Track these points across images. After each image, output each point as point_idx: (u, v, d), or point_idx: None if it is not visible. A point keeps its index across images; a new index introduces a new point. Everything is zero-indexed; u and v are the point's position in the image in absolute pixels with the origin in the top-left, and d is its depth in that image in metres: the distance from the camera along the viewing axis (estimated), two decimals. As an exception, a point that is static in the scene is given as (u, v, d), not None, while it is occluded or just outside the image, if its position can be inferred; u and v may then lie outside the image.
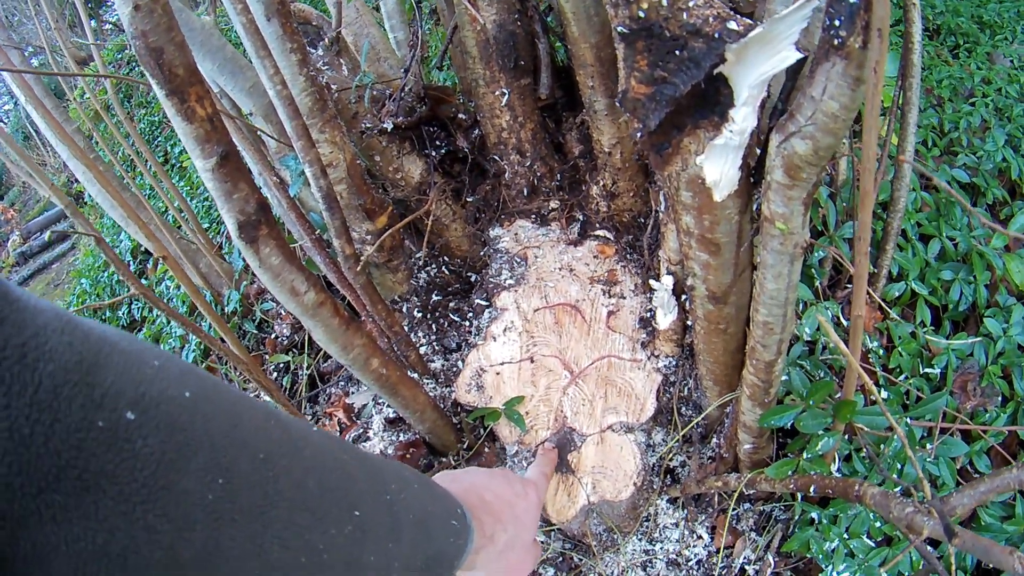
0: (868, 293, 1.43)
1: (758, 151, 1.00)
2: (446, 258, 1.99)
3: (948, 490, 1.39)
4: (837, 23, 0.75)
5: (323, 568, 0.49)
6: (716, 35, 0.87)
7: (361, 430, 1.83)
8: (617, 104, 1.03)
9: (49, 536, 0.33)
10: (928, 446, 1.43)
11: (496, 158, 1.93)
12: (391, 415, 1.81)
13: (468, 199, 1.99)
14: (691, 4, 0.88)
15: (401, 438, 1.75)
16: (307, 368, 2.12)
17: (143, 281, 3.49)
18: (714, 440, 1.57)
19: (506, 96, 1.74)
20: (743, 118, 0.93)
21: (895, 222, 1.67)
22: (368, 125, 1.70)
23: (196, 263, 2.50)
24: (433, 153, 1.83)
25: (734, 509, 1.56)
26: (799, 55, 0.82)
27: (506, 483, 0.88)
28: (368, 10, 1.99)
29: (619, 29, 0.93)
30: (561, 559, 1.59)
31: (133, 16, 0.95)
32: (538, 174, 1.90)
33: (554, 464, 1.21)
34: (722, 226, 1.11)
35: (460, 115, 1.86)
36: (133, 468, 0.36)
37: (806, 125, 0.85)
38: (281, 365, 2.25)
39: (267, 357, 2.26)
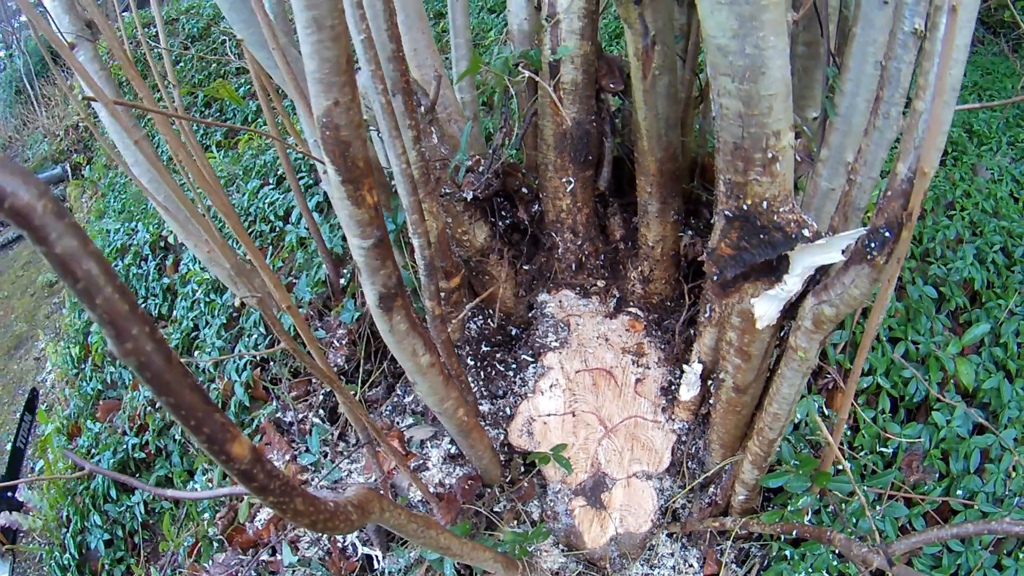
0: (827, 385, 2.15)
1: (793, 300, 1.66)
2: (490, 311, 2.58)
3: (891, 539, 2.12)
4: (872, 245, 1.39)
5: None
6: (793, 235, 1.49)
7: (420, 461, 2.39)
8: (705, 255, 1.67)
9: None
10: (878, 507, 2.14)
11: (552, 234, 2.53)
12: (452, 452, 2.38)
13: (524, 267, 2.59)
14: (781, 209, 1.49)
15: (458, 471, 2.33)
16: (356, 396, 2.65)
17: (163, 280, 3.85)
18: (711, 490, 2.22)
19: (571, 184, 2.35)
20: (792, 284, 1.57)
21: (871, 330, 2.37)
22: (448, 191, 2.26)
23: (251, 280, 2.90)
24: (499, 223, 2.43)
25: (718, 545, 2.23)
26: (843, 258, 1.47)
27: None
28: (443, 72, 2.54)
29: (725, 212, 1.55)
30: (578, 579, 2.23)
31: (331, 110, 1.19)
32: (586, 252, 2.53)
33: None
34: (756, 344, 1.76)
35: (524, 189, 2.44)
36: None
37: (835, 299, 1.49)
38: (329, 390, 2.71)
39: (316, 382, 2.75)
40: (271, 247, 3.53)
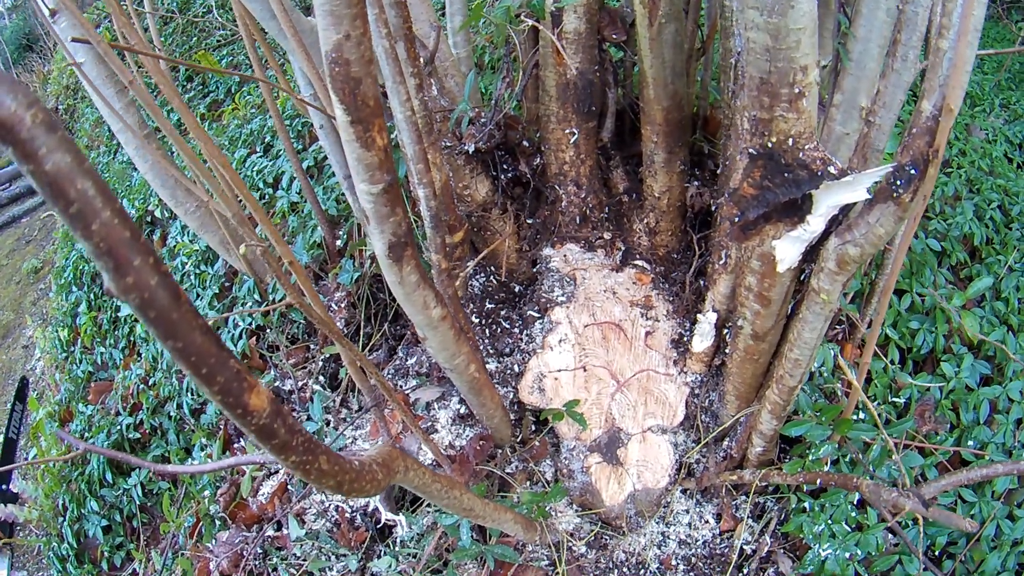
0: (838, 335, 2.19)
1: (814, 242, 1.68)
2: (492, 268, 2.58)
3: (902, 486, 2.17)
4: (899, 183, 1.40)
5: None
6: (819, 173, 1.51)
7: (429, 424, 2.39)
8: (725, 196, 1.69)
9: None
10: (894, 457, 2.18)
11: (555, 186, 2.53)
12: (462, 412, 2.38)
13: (528, 220, 2.59)
14: (807, 147, 1.50)
15: (468, 433, 2.33)
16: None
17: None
18: (726, 443, 2.24)
19: (575, 135, 2.34)
20: (816, 224, 1.58)
21: (884, 281, 2.39)
22: (448, 144, 2.26)
23: (270, 260, 2.87)
24: (501, 176, 2.42)
25: (734, 500, 2.26)
26: (868, 196, 1.49)
27: None
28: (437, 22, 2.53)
29: (749, 151, 1.56)
30: (594, 538, 2.23)
31: (341, 44, 1.15)
32: (590, 205, 2.53)
33: None
34: (777, 288, 1.77)
35: (524, 142, 2.43)
36: None
37: (860, 238, 1.50)
38: (329, 356, 2.74)
39: (314, 348, 2.76)
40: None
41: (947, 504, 2.25)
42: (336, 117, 1.26)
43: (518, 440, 2.35)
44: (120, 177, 4.68)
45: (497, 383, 2.42)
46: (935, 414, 2.41)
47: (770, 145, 1.51)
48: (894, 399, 2.39)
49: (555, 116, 2.36)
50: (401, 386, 2.52)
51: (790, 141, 1.49)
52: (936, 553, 2.25)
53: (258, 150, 3.89)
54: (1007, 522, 2.24)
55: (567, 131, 2.36)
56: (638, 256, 2.58)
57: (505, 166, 2.45)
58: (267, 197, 3.56)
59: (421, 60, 2.13)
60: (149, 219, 4.07)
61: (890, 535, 2.20)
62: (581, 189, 2.51)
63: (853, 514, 2.12)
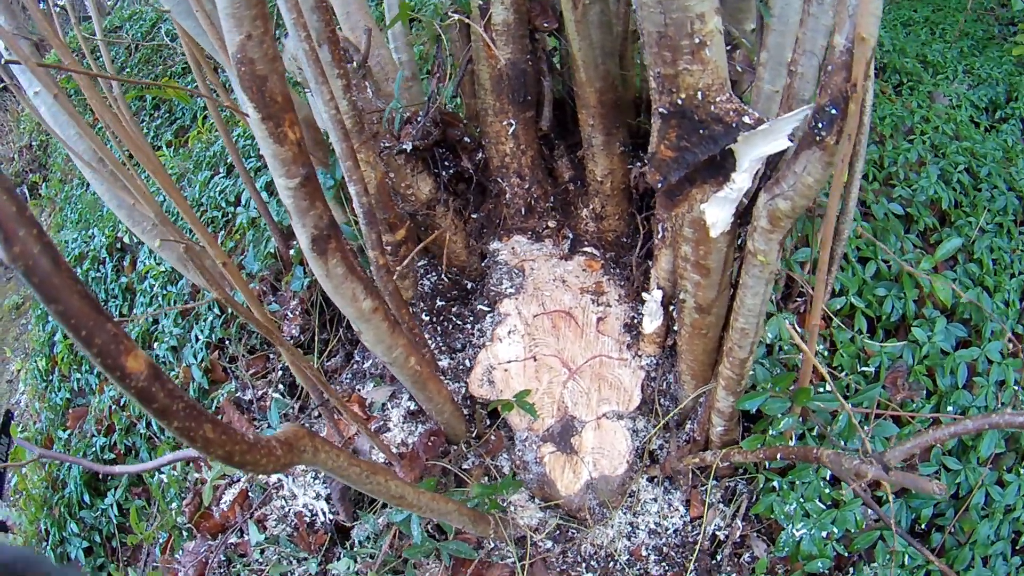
0: (825, 311, 2.01)
1: (745, 202, 1.53)
2: (446, 266, 2.44)
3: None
4: (820, 125, 1.25)
5: None
6: (734, 124, 1.36)
7: (381, 423, 2.26)
8: (646, 162, 1.54)
9: None
10: (866, 427, 2.00)
11: (498, 180, 2.41)
12: (412, 408, 2.25)
13: (472, 215, 2.47)
14: (718, 99, 1.36)
15: (420, 429, 2.20)
16: (314, 366, 2.51)
17: (121, 280, 3.76)
18: (688, 426, 2.09)
19: (513, 126, 2.22)
20: (742, 181, 1.44)
21: (839, 248, 2.24)
22: (387, 144, 2.14)
23: (202, 262, 2.83)
24: (442, 173, 2.29)
25: (703, 485, 2.09)
26: (790, 143, 1.34)
27: None
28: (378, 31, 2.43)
29: (660, 110, 1.42)
30: (559, 532, 2.08)
31: (244, 44, 1.17)
32: (535, 196, 2.40)
33: None
34: (714, 255, 1.62)
35: (466, 138, 2.31)
36: None
37: (788, 190, 1.36)
38: (287, 364, 2.62)
39: (274, 357, 2.65)
40: (223, 231, 3.46)
41: (931, 473, 2.10)
42: (249, 115, 1.27)
43: (473, 435, 2.21)
44: (91, 207, 4.65)
45: (450, 379, 2.29)
46: (908, 381, 2.24)
47: (680, 102, 1.38)
48: (863, 368, 2.22)
49: (492, 109, 2.24)
50: (358, 389, 2.38)
51: (699, 95, 1.35)
52: (923, 526, 2.09)
53: (221, 171, 3.84)
54: (996, 488, 2.09)
55: (505, 123, 2.24)
56: (587, 243, 2.45)
57: (447, 163, 2.34)
58: (229, 215, 3.49)
59: (354, 64, 2.06)
60: (119, 245, 3.99)
61: (871, 511, 2.03)
62: (524, 180, 2.38)
63: (827, 491, 1.95)
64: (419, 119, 2.13)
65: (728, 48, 1.97)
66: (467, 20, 2.13)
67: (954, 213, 2.87)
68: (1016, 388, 2.30)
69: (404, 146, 2.13)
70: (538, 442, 2.12)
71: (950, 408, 2.20)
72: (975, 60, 4.26)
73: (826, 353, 2.23)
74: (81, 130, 1.84)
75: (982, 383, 2.26)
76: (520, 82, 2.17)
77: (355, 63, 2.10)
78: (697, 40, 1.27)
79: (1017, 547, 2.07)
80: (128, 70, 5.99)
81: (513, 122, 2.23)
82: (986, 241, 2.74)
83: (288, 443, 1.06)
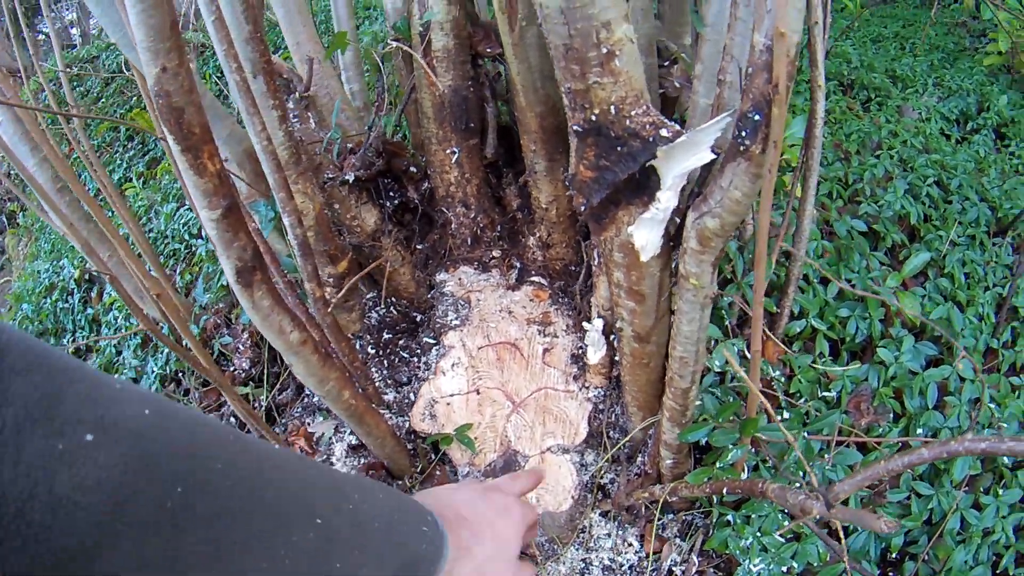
0: (766, 331, 1.86)
1: (677, 222, 1.39)
2: (393, 299, 2.33)
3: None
4: (744, 134, 1.13)
5: (287, 572, 0.55)
6: (651, 139, 1.24)
7: (324, 457, 2.14)
8: (566, 183, 1.41)
9: (22, 559, 0.38)
10: (827, 456, 1.85)
11: (444, 210, 2.30)
12: (353, 443, 2.13)
13: (418, 246, 2.36)
14: (633, 113, 1.24)
15: (362, 462, 2.06)
16: (265, 400, 2.42)
17: (88, 311, 3.68)
18: (639, 459, 1.96)
19: (456, 154, 2.11)
20: (667, 199, 1.31)
21: (795, 269, 2.10)
22: (331, 176, 2.03)
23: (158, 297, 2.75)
24: (387, 204, 2.18)
25: (660, 519, 1.94)
26: (713, 156, 1.21)
27: (486, 500, 0.95)
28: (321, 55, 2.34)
29: (575, 128, 1.29)
30: (504, 571, 1.93)
31: (159, 77, 1.15)
32: (481, 225, 2.29)
33: (535, 483, 1.21)
34: (647, 280, 1.49)
35: (412, 168, 2.20)
36: (96, 482, 0.40)
37: (716, 207, 1.24)
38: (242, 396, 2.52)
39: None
40: (184, 263, 3.39)
41: (901, 500, 1.95)
42: (170, 146, 1.27)
43: (418, 470, 2.06)
44: (63, 238, 4.60)
45: (395, 413, 2.17)
46: (873, 404, 2.08)
47: (594, 118, 1.26)
48: (824, 393, 2.07)
49: (435, 137, 2.13)
50: (308, 423, 2.25)
51: (613, 109, 1.24)
52: (895, 555, 1.95)
53: (186, 203, 3.75)
54: (972, 512, 1.94)
55: (448, 151, 2.13)
56: (534, 272, 2.33)
57: (392, 193, 2.23)
58: (192, 247, 3.43)
59: (297, 94, 1.98)
60: (88, 276, 3.91)
61: (838, 545, 1.87)
62: (470, 209, 2.26)
63: (786, 522, 1.79)
64: (362, 149, 2.02)
65: (666, 63, 1.86)
66: (406, 48, 2.02)
67: (923, 227, 2.73)
68: (991, 406, 2.16)
69: (347, 177, 2.02)
70: (480, 477, 1.99)
71: (920, 431, 2.05)
72: (945, 72, 4.17)
73: (783, 380, 2.09)
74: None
75: (954, 403, 2.11)
76: (462, 109, 2.06)
77: (297, 93, 2.00)
78: (605, 50, 1.15)
79: (998, 571, 1.92)
80: (103, 100, 5.97)
81: (457, 150, 2.12)
82: (957, 254, 2.61)
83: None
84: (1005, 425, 2.14)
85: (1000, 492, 1.98)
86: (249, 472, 0.53)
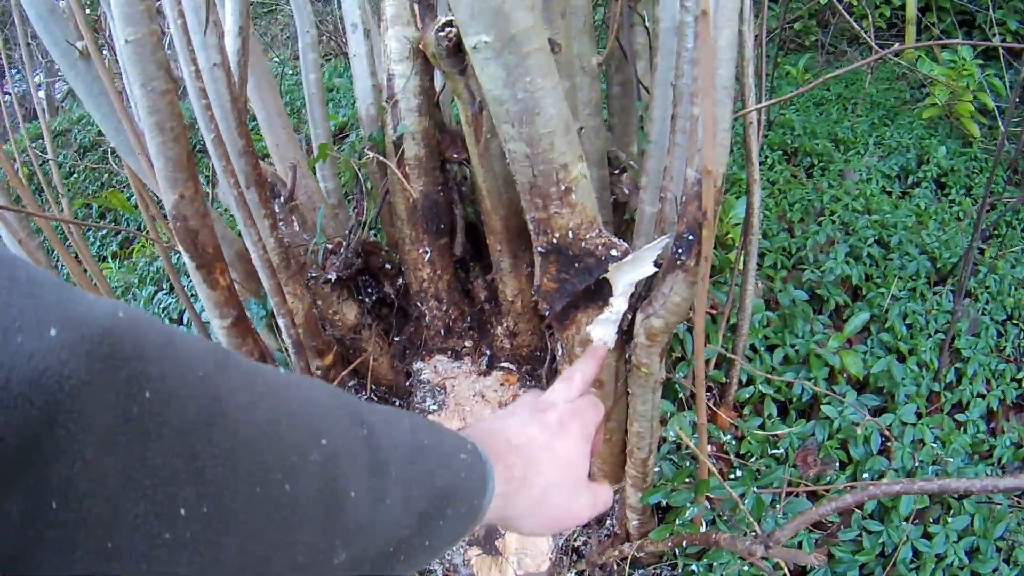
0: (710, 406, 2.22)
1: (629, 318, 1.73)
2: (374, 386, 2.63)
3: (796, 538, 2.15)
4: (680, 251, 1.45)
5: (287, 503, 0.50)
6: (603, 257, 1.56)
7: None
8: (533, 292, 1.74)
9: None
10: (778, 506, 2.18)
11: (418, 303, 2.60)
12: None
13: (395, 338, 2.67)
14: (587, 236, 1.56)
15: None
16: None
17: None
18: (608, 521, 2.26)
19: (428, 253, 2.43)
20: (619, 304, 1.64)
21: (740, 342, 2.45)
22: (314, 275, 2.33)
23: None
24: (366, 299, 2.50)
25: (631, 575, 2.26)
26: (655, 269, 1.54)
27: (539, 421, 0.88)
28: (304, 162, 2.64)
29: (539, 249, 1.62)
30: (491, 628, 2.23)
31: (177, 203, 1.40)
32: (452, 317, 2.60)
33: (594, 372, 1.06)
34: (605, 370, 1.82)
35: (387, 265, 2.51)
36: (57, 379, 0.37)
37: (659, 309, 1.56)
38: None
39: None
40: None
41: (852, 538, 2.26)
42: (186, 262, 1.50)
43: (404, 541, 2.36)
44: None
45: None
46: (819, 456, 2.42)
47: (555, 241, 1.57)
48: (773, 451, 2.40)
49: (408, 238, 2.44)
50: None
51: (570, 234, 1.55)
52: None
53: (164, 287, 4.00)
54: (923, 541, 2.23)
55: (421, 251, 2.45)
56: (503, 358, 2.65)
57: (370, 289, 2.55)
58: None
59: (282, 199, 2.26)
60: None
61: (797, 584, 2.19)
62: (442, 303, 2.58)
63: (746, 568, 2.11)
64: (342, 251, 2.34)
65: (617, 172, 2.20)
66: (381, 158, 2.35)
67: (865, 287, 3.08)
68: (933, 444, 2.49)
69: (329, 276, 2.32)
70: (465, 546, 2.28)
71: (866, 475, 2.37)
72: (886, 130, 4.54)
73: (734, 443, 2.42)
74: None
75: (897, 447, 2.42)
76: (433, 212, 2.38)
77: (282, 198, 2.31)
78: (564, 187, 1.47)
79: None
80: (76, 175, 6.16)
81: (429, 250, 2.44)
82: (898, 308, 2.94)
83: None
84: (951, 460, 2.46)
85: (948, 520, 2.27)
86: (235, 386, 0.49)
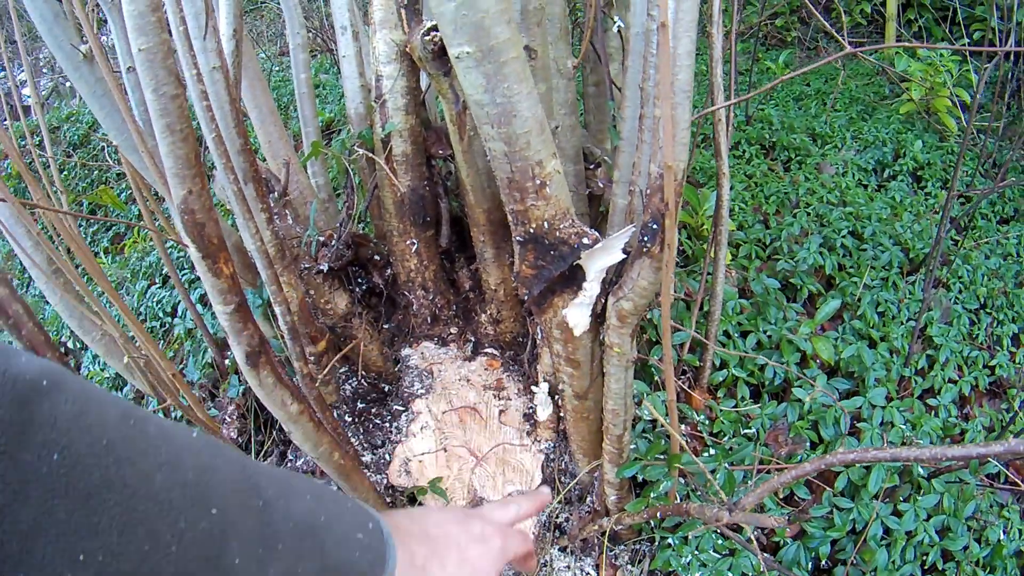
0: (680, 385, 2.38)
1: (603, 302, 1.89)
2: (364, 372, 2.79)
3: (770, 511, 2.29)
4: (646, 238, 1.60)
5: (173, 561, 0.55)
6: (576, 245, 1.71)
7: None
8: (512, 278, 1.91)
9: None
10: (749, 482, 2.33)
11: (406, 293, 2.77)
12: None
13: (385, 325, 2.84)
14: (561, 226, 1.71)
15: (347, 517, 2.52)
16: None
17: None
18: (588, 498, 2.43)
19: (415, 245, 2.59)
20: (591, 288, 1.80)
21: (713, 327, 2.63)
22: (307, 266, 2.49)
23: (145, 372, 3.08)
24: (356, 289, 2.67)
25: (612, 550, 2.41)
26: (624, 255, 1.70)
27: (461, 523, 0.91)
28: (295, 158, 2.78)
29: (517, 238, 1.78)
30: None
31: (186, 198, 1.52)
32: (438, 305, 2.78)
33: (537, 508, 1.14)
34: (581, 351, 1.98)
35: (376, 256, 2.67)
36: None
37: (628, 293, 1.72)
38: None
39: None
40: (162, 341, 3.71)
41: (823, 515, 2.39)
42: (191, 253, 1.61)
43: (395, 523, 2.52)
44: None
45: (372, 472, 2.61)
46: (789, 436, 2.58)
47: (532, 231, 1.72)
48: (745, 431, 2.56)
49: (396, 230, 2.60)
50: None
51: (546, 224, 1.70)
52: (826, 563, 2.37)
53: (157, 281, 4.10)
54: (893, 519, 2.34)
55: (408, 242, 2.61)
56: (487, 344, 2.83)
57: (360, 280, 2.71)
58: (167, 325, 3.75)
59: (275, 194, 2.39)
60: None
61: (770, 556, 2.34)
62: (429, 292, 2.75)
63: (720, 541, 2.27)
64: (333, 243, 2.49)
65: (592, 166, 2.36)
66: (370, 154, 2.50)
67: (838, 276, 3.23)
68: (903, 426, 2.62)
69: (321, 267, 2.48)
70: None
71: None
72: (863, 125, 4.66)
73: (707, 422, 2.59)
74: (39, 240, 2.12)
75: (867, 428, 2.56)
76: (419, 206, 2.53)
77: (276, 193, 2.45)
78: (539, 181, 1.61)
79: (926, 567, 2.33)
80: (66, 172, 6.24)
81: (415, 241, 2.60)
82: (870, 297, 3.09)
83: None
84: (920, 441, 2.60)
85: (918, 498, 2.39)
86: (138, 455, 0.55)
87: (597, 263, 1.74)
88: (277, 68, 6.74)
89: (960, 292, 3.39)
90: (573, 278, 1.81)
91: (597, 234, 1.73)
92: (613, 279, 1.83)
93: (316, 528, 0.70)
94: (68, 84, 6.63)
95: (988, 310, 3.37)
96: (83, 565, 0.49)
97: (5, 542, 0.46)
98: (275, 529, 0.65)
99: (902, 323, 3.09)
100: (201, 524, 0.58)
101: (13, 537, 0.46)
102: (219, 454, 0.65)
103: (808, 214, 3.57)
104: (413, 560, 0.82)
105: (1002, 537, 2.39)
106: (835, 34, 2.21)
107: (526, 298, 1.88)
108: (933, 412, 2.80)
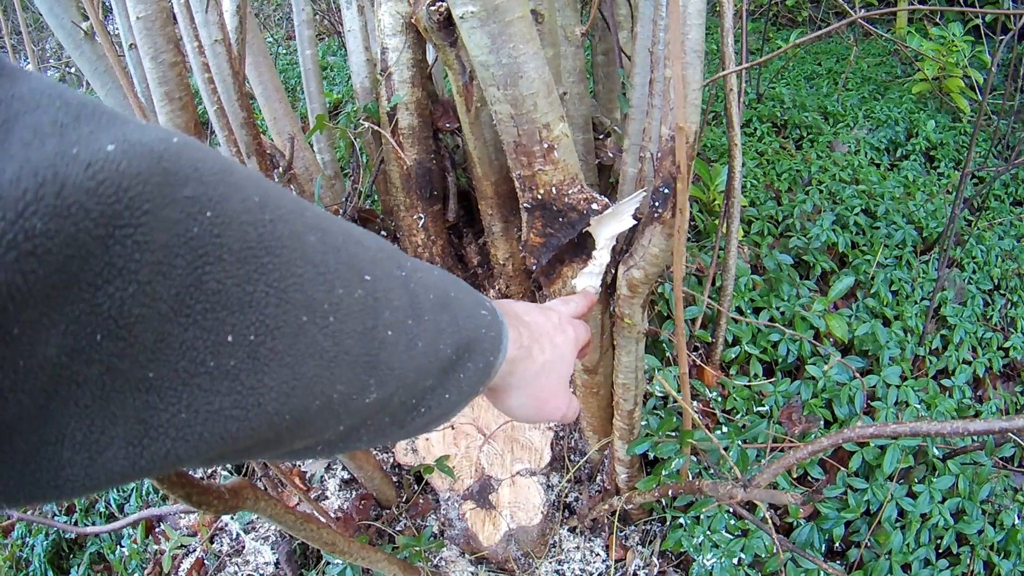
0: (692, 358, 2.32)
1: (612, 272, 1.84)
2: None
3: (782, 488, 2.24)
4: (657, 204, 1.57)
5: (330, 335, 0.50)
6: (585, 211, 1.67)
7: (320, 492, 2.54)
8: (520, 248, 1.85)
9: (14, 276, 0.33)
10: (763, 460, 2.27)
11: (413, 268, 2.71)
12: (345, 477, 2.54)
13: None
14: (570, 192, 1.67)
15: (354, 495, 2.48)
16: None
17: None
18: (598, 477, 2.39)
19: (422, 219, 2.54)
20: (601, 256, 1.75)
21: (725, 302, 2.57)
22: (313, 242, 2.45)
23: None
24: (363, 265, 2.61)
25: (622, 531, 2.37)
26: (634, 222, 1.65)
27: (544, 313, 0.94)
28: (300, 134, 2.76)
29: (524, 205, 1.73)
30: (487, 583, 2.36)
31: None
32: (446, 281, 2.71)
33: (587, 306, 1.26)
34: (590, 322, 1.93)
35: (383, 232, 2.62)
36: (115, 189, 0.36)
37: (640, 261, 1.68)
38: None
39: None
40: None
41: (838, 495, 2.34)
42: None
43: (403, 500, 2.48)
44: None
45: (379, 451, 2.58)
46: (803, 414, 2.52)
47: (539, 197, 1.68)
48: (759, 408, 2.50)
49: (403, 204, 2.55)
50: (299, 464, 2.64)
51: (554, 190, 1.65)
52: (840, 545, 2.33)
53: None
54: (908, 500, 2.30)
55: (415, 217, 2.55)
56: (495, 321, 2.75)
57: (366, 256, 2.64)
58: None
59: (280, 169, 2.36)
60: None
61: (784, 537, 2.29)
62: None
63: (732, 521, 2.22)
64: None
65: (601, 136, 2.31)
66: (376, 128, 2.46)
67: (851, 254, 3.19)
68: (918, 406, 2.58)
69: (326, 243, 2.43)
70: (460, 501, 2.40)
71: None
72: (876, 104, 4.62)
73: (720, 399, 2.53)
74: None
75: (881, 407, 2.52)
76: (426, 180, 2.48)
77: (280, 168, 2.42)
78: (547, 145, 1.57)
79: (940, 551, 2.28)
80: None
81: (423, 216, 2.55)
82: (883, 275, 3.05)
83: (234, 490, 1.29)
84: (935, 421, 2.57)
85: (933, 480, 2.34)
86: (289, 213, 0.48)
87: (607, 230, 1.69)
88: (284, 51, 6.71)
89: (974, 272, 3.36)
90: (582, 246, 1.76)
91: (607, 200, 1.68)
92: (624, 248, 1.78)
93: (449, 302, 0.66)
94: (74, 71, 6.65)
95: (1002, 291, 3.34)
96: (230, 348, 0.43)
97: (137, 333, 0.38)
98: (419, 300, 0.61)
99: (916, 302, 3.06)
100: (356, 292, 0.53)
101: (150, 323, 0.39)
102: (351, 224, 0.59)
103: (820, 192, 3.52)
104: (521, 340, 0.82)
105: (1016, 522, 2.35)
106: (844, 6, 2.16)
107: (534, 268, 1.83)
108: (948, 393, 2.75)
